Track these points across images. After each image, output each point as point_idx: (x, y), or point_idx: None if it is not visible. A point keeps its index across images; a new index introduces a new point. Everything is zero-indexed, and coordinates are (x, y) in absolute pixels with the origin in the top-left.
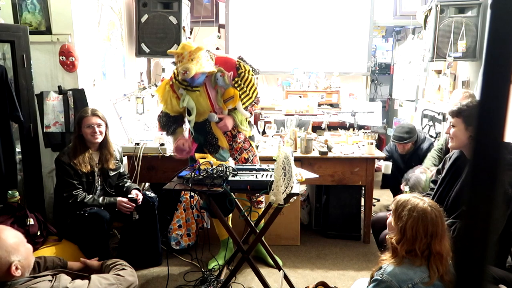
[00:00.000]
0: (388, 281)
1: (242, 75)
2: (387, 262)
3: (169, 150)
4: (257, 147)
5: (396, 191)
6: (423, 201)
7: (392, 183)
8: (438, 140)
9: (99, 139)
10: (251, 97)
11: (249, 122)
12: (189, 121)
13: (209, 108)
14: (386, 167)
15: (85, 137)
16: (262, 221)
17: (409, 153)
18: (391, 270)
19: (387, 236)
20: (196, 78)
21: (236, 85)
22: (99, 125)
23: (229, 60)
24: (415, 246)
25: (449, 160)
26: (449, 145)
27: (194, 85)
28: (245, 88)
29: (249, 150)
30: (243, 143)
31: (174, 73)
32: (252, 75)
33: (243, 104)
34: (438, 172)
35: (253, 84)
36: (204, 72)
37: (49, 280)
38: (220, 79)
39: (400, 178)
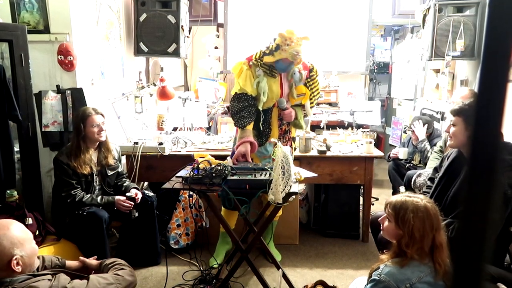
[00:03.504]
0: (386, 281)
1: (314, 77)
2: (388, 263)
3: (168, 149)
4: (295, 149)
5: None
6: (420, 199)
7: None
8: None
9: (104, 137)
10: (316, 99)
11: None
12: (257, 104)
13: (278, 96)
14: (403, 152)
15: (91, 136)
16: (267, 212)
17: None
18: (389, 270)
19: (393, 242)
20: (290, 64)
21: (307, 84)
22: (103, 123)
23: (304, 62)
24: (423, 244)
25: (447, 159)
26: (448, 143)
27: (284, 70)
28: (313, 89)
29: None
30: (287, 142)
31: (256, 55)
32: (318, 80)
33: (311, 103)
34: (436, 170)
35: (318, 88)
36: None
37: (49, 280)
38: (297, 75)
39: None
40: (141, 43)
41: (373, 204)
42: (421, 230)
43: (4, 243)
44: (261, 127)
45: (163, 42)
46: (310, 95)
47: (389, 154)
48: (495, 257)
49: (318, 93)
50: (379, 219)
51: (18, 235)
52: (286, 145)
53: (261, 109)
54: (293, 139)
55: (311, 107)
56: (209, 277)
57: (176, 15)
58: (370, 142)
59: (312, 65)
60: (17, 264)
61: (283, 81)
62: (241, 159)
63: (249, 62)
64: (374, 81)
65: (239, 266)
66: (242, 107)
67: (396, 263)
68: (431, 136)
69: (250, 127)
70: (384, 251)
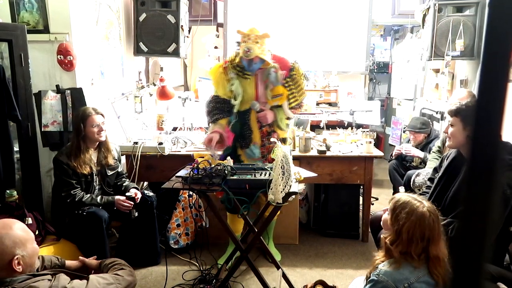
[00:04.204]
0: (384, 281)
1: (294, 77)
2: (385, 264)
3: (168, 149)
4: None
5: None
6: (422, 204)
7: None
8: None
9: (104, 137)
10: (297, 100)
11: (287, 124)
12: (233, 106)
13: (253, 98)
14: (407, 148)
15: (91, 136)
16: (266, 212)
17: (420, 146)
18: (387, 270)
19: (382, 236)
20: (253, 63)
21: (286, 84)
22: (103, 123)
23: (285, 61)
24: (411, 249)
25: (446, 159)
26: (447, 144)
27: (249, 69)
28: (294, 90)
29: None
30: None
31: (230, 57)
32: (303, 80)
33: (289, 104)
34: (435, 170)
35: (302, 88)
36: (262, 58)
37: (49, 280)
38: (272, 75)
39: (405, 171)
40: (140, 43)
41: (373, 204)
42: (409, 233)
43: (6, 242)
44: (238, 127)
45: (162, 42)
46: (289, 95)
47: (391, 154)
48: (495, 257)
49: (302, 94)
50: (384, 210)
51: (21, 235)
52: (270, 146)
53: (235, 111)
54: (283, 140)
55: (291, 108)
56: (208, 277)
57: (175, 15)
58: (370, 142)
59: (294, 64)
60: (18, 264)
61: (258, 82)
62: (208, 144)
63: (224, 64)
64: (374, 81)
65: (239, 266)
66: (214, 107)
67: (393, 264)
68: (429, 137)
69: (222, 121)
70: (380, 248)
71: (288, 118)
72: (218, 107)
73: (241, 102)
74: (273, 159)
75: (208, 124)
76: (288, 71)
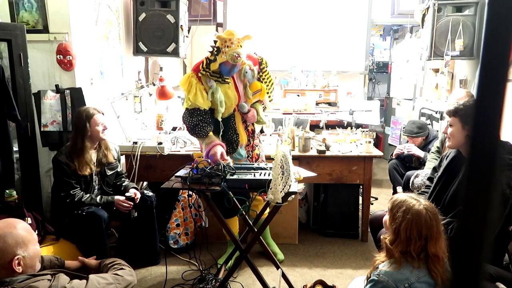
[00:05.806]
0: (385, 281)
1: (264, 70)
2: (385, 264)
3: (167, 149)
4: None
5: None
6: (419, 203)
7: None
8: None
9: (107, 135)
10: (272, 91)
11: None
12: (211, 115)
13: (236, 101)
14: (409, 147)
15: (95, 135)
16: (264, 214)
17: (420, 148)
18: (388, 270)
19: (382, 236)
20: (235, 67)
21: (261, 79)
22: (105, 122)
23: (253, 56)
24: (410, 248)
25: (446, 158)
26: (446, 144)
27: (230, 74)
28: (268, 83)
29: (259, 146)
30: (255, 139)
31: (203, 64)
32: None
33: (268, 97)
34: (435, 170)
35: (271, 79)
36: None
37: (48, 280)
38: (249, 73)
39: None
40: (140, 42)
41: (372, 204)
42: (407, 232)
43: (9, 241)
44: (223, 134)
45: (162, 42)
46: (266, 88)
47: (392, 153)
48: (494, 257)
49: (272, 84)
50: (385, 211)
51: (24, 235)
52: (254, 143)
53: (220, 119)
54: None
55: (269, 101)
56: (208, 277)
57: (175, 15)
58: (369, 142)
59: (261, 57)
60: (18, 264)
61: (237, 83)
62: (220, 160)
63: (197, 73)
64: (373, 80)
65: (239, 266)
66: (197, 121)
67: (393, 264)
68: (428, 139)
69: (211, 133)
70: (380, 248)
71: (264, 110)
72: (202, 119)
73: (225, 108)
74: (258, 155)
75: (199, 139)
76: (258, 66)
